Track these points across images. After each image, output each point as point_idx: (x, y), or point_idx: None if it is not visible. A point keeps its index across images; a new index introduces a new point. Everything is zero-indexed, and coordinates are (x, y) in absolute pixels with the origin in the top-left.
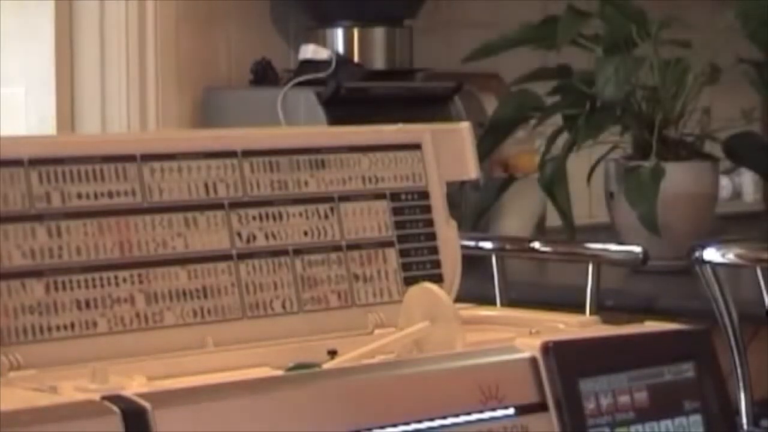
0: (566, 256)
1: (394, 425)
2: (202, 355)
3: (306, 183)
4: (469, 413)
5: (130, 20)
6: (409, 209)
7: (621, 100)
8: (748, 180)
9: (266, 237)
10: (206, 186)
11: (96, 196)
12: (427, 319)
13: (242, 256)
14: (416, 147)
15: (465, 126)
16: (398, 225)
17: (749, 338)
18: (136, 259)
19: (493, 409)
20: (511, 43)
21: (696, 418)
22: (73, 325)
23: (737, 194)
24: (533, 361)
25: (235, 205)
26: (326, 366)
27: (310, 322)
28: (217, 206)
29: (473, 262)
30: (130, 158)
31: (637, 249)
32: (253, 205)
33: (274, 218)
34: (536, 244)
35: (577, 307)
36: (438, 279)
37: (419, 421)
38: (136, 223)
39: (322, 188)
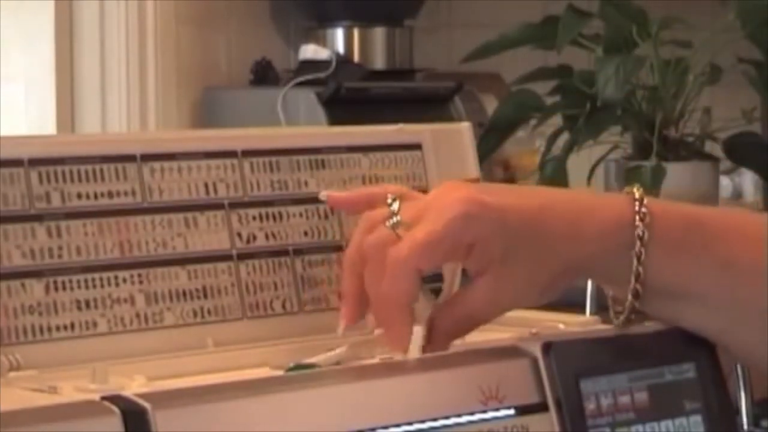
0: None
1: (396, 425)
2: (202, 355)
3: (306, 183)
4: (470, 413)
5: (130, 20)
6: None
7: (621, 100)
8: (748, 180)
9: (266, 237)
10: (206, 186)
11: (96, 196)
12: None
13: (242, 256)
14: (416, 147)
15: (465, 126)
16: None
17: None
18: (136, 259)
19: (494, 410)
20: (511, 43)
21: (696, 419)
22: (73, 325)
23: (737, 194)
24: (533, 361)
25: (235, 205)
26: (322, 359)
27: (310, 322)
28: (217, 206)
29: None
30: (130, 158)
31: None
32: (253, 205)
33: (274, 218)
34: None
35: (577, 307)
36: (438, 279)
37: (421, 421)
38: (136, 223)
39: (322, 188)
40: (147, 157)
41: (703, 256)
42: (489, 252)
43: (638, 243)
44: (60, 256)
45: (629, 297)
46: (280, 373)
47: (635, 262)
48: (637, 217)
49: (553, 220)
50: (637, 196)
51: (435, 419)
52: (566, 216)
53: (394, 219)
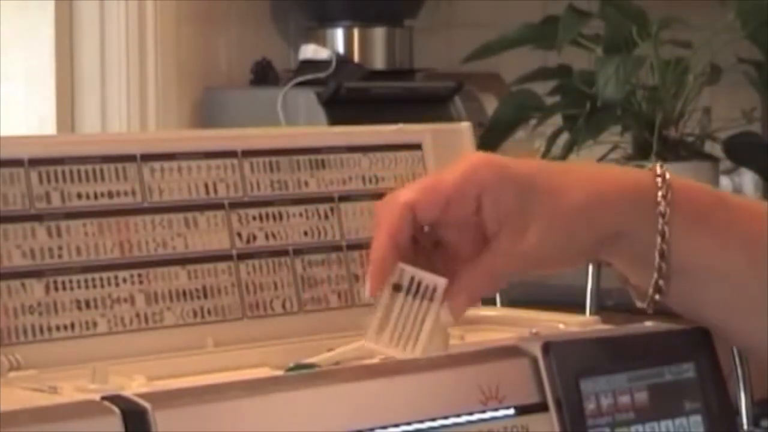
0: None
1: (395, 425)
2: (202, 355)
3: (306, 183)
4: (470, 413)
5: (130, 20)
6: None
7: (621, 100)
8: (748, 180)
9: (266, 237)
10: (206, 186)
11: (96, 196)
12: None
13: (242, 256)
14: (416, 147)
15: (465, 126)
16: None
17: None
18: (136, 259)
19: (494, 410)
20: (511, 43)
21: (696, 419)
22: (73, 325)
23: (737, 194)
24: (533, 361)
25: (235, 205)
26: (322, 359)
27: (310, 322)
28: (217, 206)
29: None
30: (130, 158)
31: None
32: (253, 205)
33: (274, 218)
34: None
35: (577, 307)
36: None
37: (420, 421)
38: (136, 223)
39: (322, 188)
40: (147, 157)
41: (727, 231)
42: (503, 203)
43: (663, 202)
44: (60, 256)
45: (656, 258)
46: (280, 373)
47: (661, 220)
48: (660, 194)
49: (569, 183)
50: (659, 171)
51: (435, 419)
52: (583, 180)
53: None
